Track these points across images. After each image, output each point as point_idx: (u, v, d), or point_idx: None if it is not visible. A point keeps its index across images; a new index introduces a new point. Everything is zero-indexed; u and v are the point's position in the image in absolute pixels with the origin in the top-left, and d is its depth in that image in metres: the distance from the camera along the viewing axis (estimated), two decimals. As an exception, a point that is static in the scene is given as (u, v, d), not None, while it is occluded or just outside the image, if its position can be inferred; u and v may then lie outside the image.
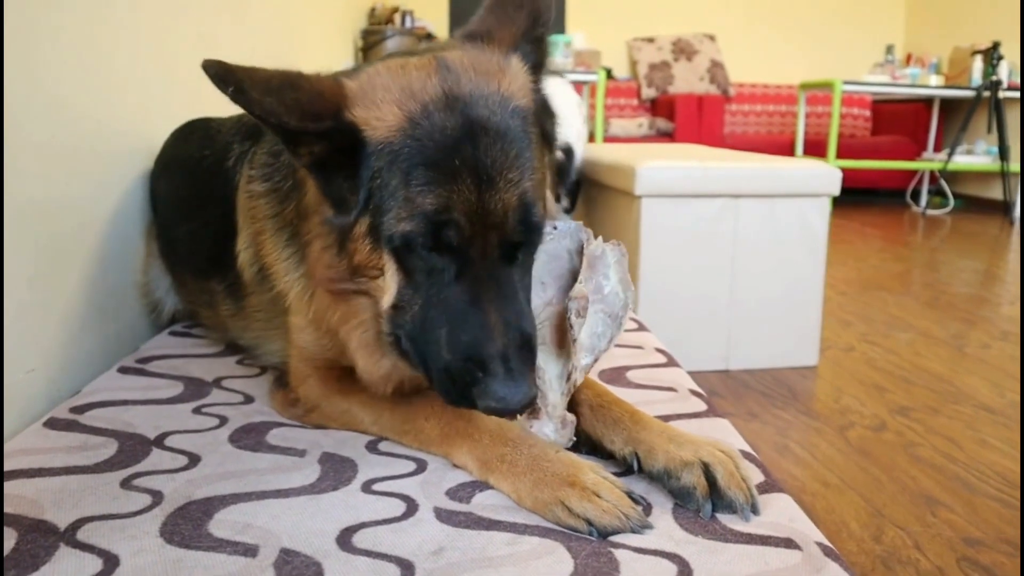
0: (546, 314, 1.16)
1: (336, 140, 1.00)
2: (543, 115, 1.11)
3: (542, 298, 1.16)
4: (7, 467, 1.09)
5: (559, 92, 2.76)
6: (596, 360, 1.15)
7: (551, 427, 1.11)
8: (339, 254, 1.09)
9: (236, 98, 0.95)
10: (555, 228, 1.20)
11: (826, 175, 2.48)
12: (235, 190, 1.45)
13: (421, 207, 0.97)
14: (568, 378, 1.12)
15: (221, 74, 0.94)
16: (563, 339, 1.15)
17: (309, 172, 1.09)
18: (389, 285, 1.05)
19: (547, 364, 1.13)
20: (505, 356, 0.97)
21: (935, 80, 7.11)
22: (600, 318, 1.14)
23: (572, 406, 1.18)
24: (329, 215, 1.08)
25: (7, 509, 0.98)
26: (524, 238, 1.03)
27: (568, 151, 2.81)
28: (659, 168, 2.37)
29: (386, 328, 1.09)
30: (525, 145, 1.02)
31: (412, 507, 1.01)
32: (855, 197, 7.42)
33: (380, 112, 0.99)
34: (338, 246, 1.08)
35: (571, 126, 2.76)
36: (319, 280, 1.16)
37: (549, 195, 2.70)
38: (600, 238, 1.20)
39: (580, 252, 1.18)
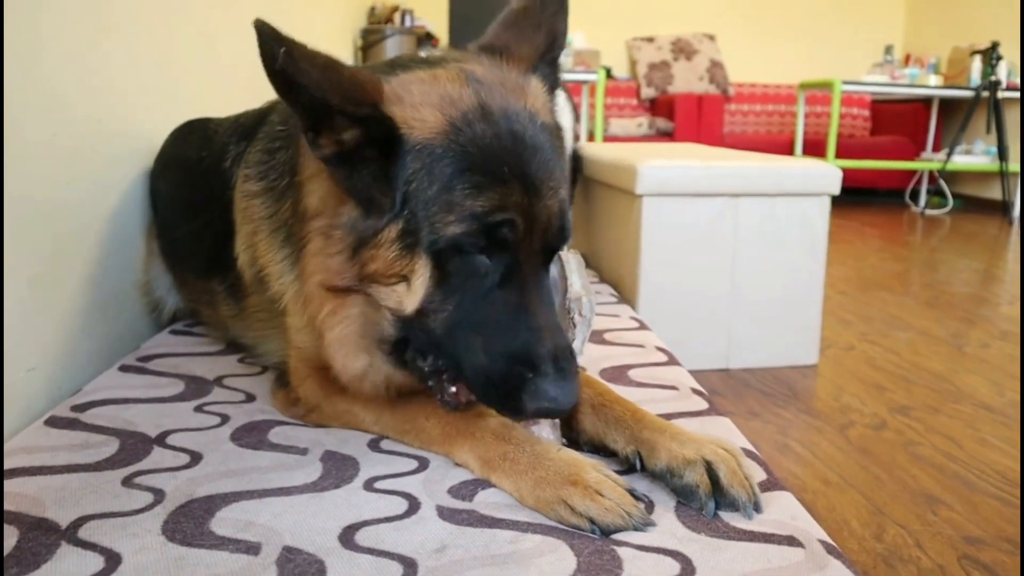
0: None
1: (372, 129, 0.99)
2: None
3: None
4: (8, 465, 1.09)
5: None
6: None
7: (548, 428, 1.11)
8: (351, 259, 1.05)
9: (286, 62, 0.92)
10: None
11: (826, 174, 2.48)
12: (232, 191, 1.45)
13: (471, 210, 0.97)
14: None
15: (274, 35, 0.92)
16: None
17: (329, 164, 1.04)
18: (416, 291, 1.02)
19: None
20: (556, 357, 0.98)
21: (934, 80, 7.12)
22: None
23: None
24: (351, 216, 1.05)
25: (8, 507, 0.98)
26: (561, 245, 1.06)
27: (576, 157, 2.80)
28: (660, 167, 2.36)
29: (393, 331, 1.09)
30: (557, 157, 1.05)
31: (414, 505, 1.01)
32: (854, 197, 7.43)
33: (420, 114, 0.99)
34: (352, 250, 1.05)
35: (567, 128, 2.74)
36: (318, 280, 1.12)
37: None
38: None
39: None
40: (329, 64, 0.97)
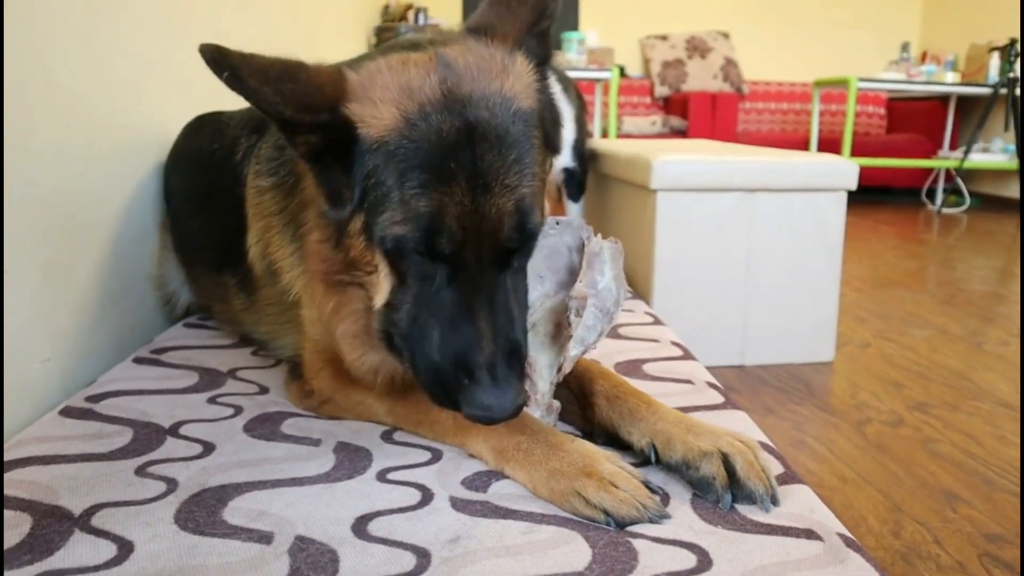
0: (543, 307, 1.15)
1: (330, 133, 0.98)
2: (546, 118, 1.08)
3: (539, 291, 1.16)
4: (22, 454, 1.09)
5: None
6: (585, 351, 1.14)
7: (539, 413, 1.10)
8: (336, 247, 1.07)
9: (231, 84, 0.93)
10: (556, 223, 1.18)
11: (842, 169, 2.45)
12: (243, 185, 1.45)
13: (415, 211, 0.95)
14: (559, 369, 1.12)
15: (217, 58, 0.92)
16: (558, 332, 1.14)
17: (306, 163, 1.07)
18: (383, 284, 1.03)
19: (539, 354, 1.12)
20: (492, 365, 0.95)
21: (951, 77, 7.05)
22: (592, 312, 1.14)
23: (588, 397, 1.18)
24: (325, 208, 1.07)
25: (22, 495, 0.98)
26: (519, 245, 1.00)
27: (582, 152, 2.78)
28: (675, 162, 2.35)
29: (377, 325, 1.08)
30: (526, 149, 0.99)
31: (428, 496, 1.01)
32: (870, 195, 7.37)
33: (376, 110, 0.97)
34: (335, 239, 1.07)
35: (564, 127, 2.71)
36: (315, 271, 1.15)
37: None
38: (599, 235, 1.19)
39: (580, 249, 1.17)
40: (283, 75, 0.95)
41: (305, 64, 0.99)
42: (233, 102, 1.82)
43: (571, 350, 1.11)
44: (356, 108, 0.97)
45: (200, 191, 1.68)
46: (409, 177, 0.95)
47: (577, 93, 2.83)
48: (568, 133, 2.70)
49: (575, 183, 2.82)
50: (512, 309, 1.01)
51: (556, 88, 2.71)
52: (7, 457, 1.08)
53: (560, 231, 1.18)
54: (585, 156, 2.81)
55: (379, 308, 1.06)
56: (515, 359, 0.98)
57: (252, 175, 1.41)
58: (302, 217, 1.21)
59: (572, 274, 1.16)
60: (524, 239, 1.01)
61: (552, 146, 1.11)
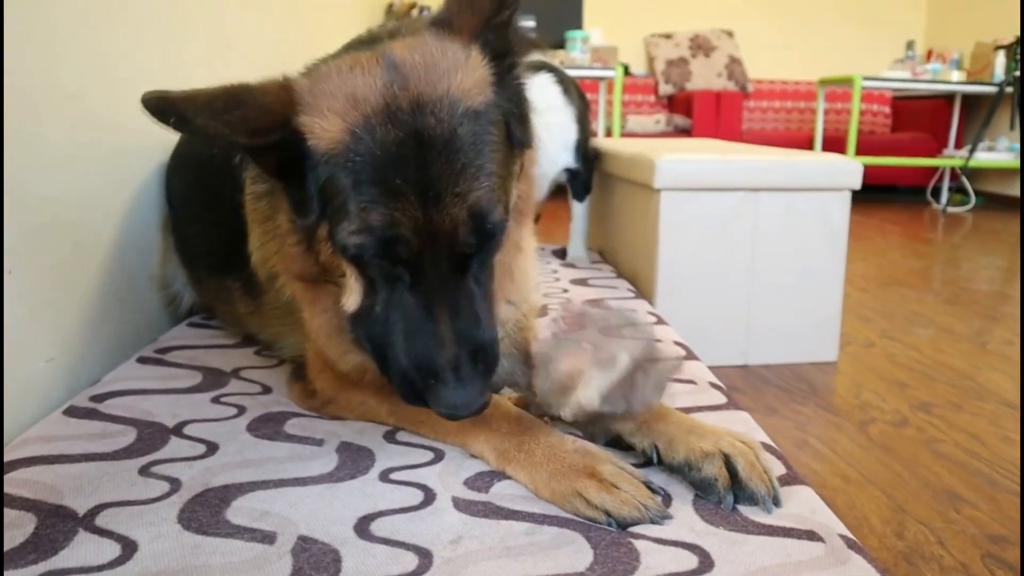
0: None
1: (287, 149, 0.98)
2: (510, 112, 1.04)
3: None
4: (26, 454, 1.10)
5: (545, 89, 2.68)
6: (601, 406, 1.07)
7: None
8: (308, 252, 1.08)
9: (180, 128, 0.93)
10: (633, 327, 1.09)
11: (847, 169, 2.45)
12: (241, 190, 1.45)
13: (368, 222, 0.94)
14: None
15: (160, 106, 0.91)
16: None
17: (272, 177, 1.08)
18: (352, 288, 1.04)
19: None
20: (455, 365, 0.96)
21: (957, 76, 7.02)
22: (620, 398, 1.05)
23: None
24: (292, 217, 1.07)
25: (26, 495, 0.98)
26: (475, 249, 0.99)
27: (586, 151, 2.77)
28: (678, 161, 2.35)
29: (347, 327, 1.10)
30: (478, 150, 0.97)
31: (430, 496, 1.01)
32: (874, 194, 7.35)
33: (324, 122, 0.96)
34: (306, 244, 1.07)
35: (562, 125, 2.68)
36: (292, 272, 1.17)
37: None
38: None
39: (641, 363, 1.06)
40: (229, 104, 0.94)
41: (249, 86, 0.97)
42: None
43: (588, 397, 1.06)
44: (306, 120, 0.96)
45: (200, 195, 1.69)
46: (361, 190, 0.94)
47: (579, 92, 2.82)
48: (570, 134, 2.69)
49: (580, 183, 2.81)
50: (475, 310, 1.00)
51: (556, 88, 2.72)
52: (11, 456, 1.09)
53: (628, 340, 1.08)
54: (590, 156, 2.80)
55: (350, 313, 1.06)
56: (480, 358, 0.99)
57: (249, 180, 1.41)
58: (277, 218, 1.22)
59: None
60: (481, 241, 0.99)
61: (518, 141, 1.07)
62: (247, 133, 0.95)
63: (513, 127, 1.05)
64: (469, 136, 0.96)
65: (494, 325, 1.04)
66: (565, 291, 2.29)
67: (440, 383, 0.96)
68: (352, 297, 1.05)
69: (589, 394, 1.00)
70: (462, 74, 0.99)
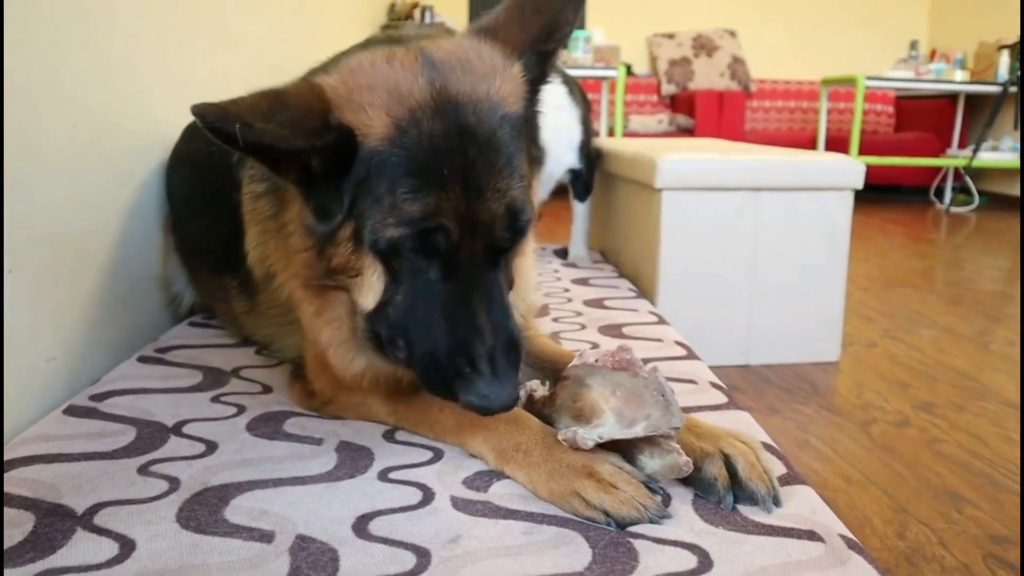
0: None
1: (336, 152, 0.97)
2: (530, 131, 1.09)
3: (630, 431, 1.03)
4: (25, 452, 1.10)
5: (551, 90, 2.68)
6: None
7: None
8: (319, 257, 1.07)
9: (244, 133, 0.87)
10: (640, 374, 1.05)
11: (849, 168, 2.44)
12: (239, 189, 1.45)
13: (409, 214, 0.95)
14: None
15: (220, 115, 0.87)
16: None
17: (294, 185, 1.05)
18: (373, 285, 1.03)
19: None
20: (492, 357, 0.97)
21: (960, 75, 7.00)
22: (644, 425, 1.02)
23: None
24: (311, 222, 1.06)
25: (25, 494, 0.98)
26: (510, 244, 1.03)
27: (589, 152, 2.77)
28: (680, 161, 2.34)
29: (363, 325, 1.09)
30: (514, 152, 1.00)
31: (428, 496, 1.01)
32: (877, 194, 7.34)
33: (369, 118, 0.96)
34: (318, 249, 1.07)
35: (567, 126, 2.68)
36: (297, 274, 1.16)
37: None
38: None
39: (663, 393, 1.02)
40: (274, 107, 0.92)
41: (281, 89, 0.97)
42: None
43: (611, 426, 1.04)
44: (349, 117, 0.96)
45: (199, 194, 1.69)
46: (402, 183, 0.95)
47: (582, 94, 2.82)
48: (574, 135, 2.69)
49: (582, 184, 2.81)
50: (506, 304, 1.03)
51: (562, 89, 2.72)
52: (11, 455, 1.09)
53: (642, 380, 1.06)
54: (592, 156, 2.80)
55: (368, 310, 1.06)
56: (513, 352, 0.99)
57: (247, 180, 1.41)
58: (284, 217, 1.22)
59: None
60: (515, 237, 1.02)
61: (532, 158, 1.13)
62: (303, 134, 0.93)
63: (530, 145, 1.09)
64: (507, 138, 0.99)
65: (516, 321, 1.05)
66: (566, 291, 2.29)
67: (476, 373, 0.96)
68: (371, 295, 1.04)
69: (590, 435, 1.00)
70: (500, 81, 1.02)
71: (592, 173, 2.83)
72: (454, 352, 0.98)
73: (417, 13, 6.44)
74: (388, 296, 1.03)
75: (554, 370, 1.25)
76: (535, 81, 1.07)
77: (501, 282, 1.03)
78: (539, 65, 1.07)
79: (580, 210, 2.85)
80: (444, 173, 0.95)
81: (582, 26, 6.90)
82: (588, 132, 2.74)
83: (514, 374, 0.98)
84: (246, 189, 1.38)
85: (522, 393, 1.12)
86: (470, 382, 0.96)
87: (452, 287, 0.99)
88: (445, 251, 0.97)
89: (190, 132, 1.83)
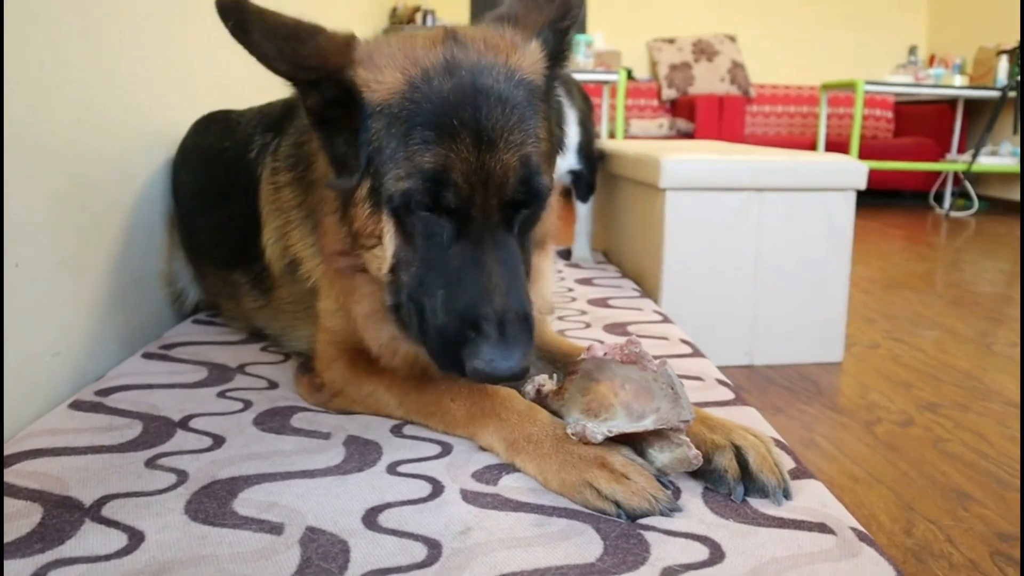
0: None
1: (328, 92, 1.03)
2: (553, 108, 1.13)
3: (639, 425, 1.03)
4: (32, 446, 1.09)
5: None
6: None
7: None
8: (342, 220, 1.10)
9: (235, 34, 0.98)
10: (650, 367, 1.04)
11: (851, 169, 2.44)
12: (258, 182, 1.45)
13: (419, 165, 0.97)
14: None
15: (228, 7, 0.97)
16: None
17: (314, 130, 1.11)
18: (387, 248, 1.05)
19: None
20: (500, 320, 0.95)
21: (959, 80, 7.01)
22: (652, 418, 1.01)
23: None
24: (333, 180, 1.10)
25: (32, 486, 0.98)
26: (524, 199, 1.02)
27: (589, 152, 2.77)
28: (684, 161, 2.34)
29: (387, 298, 1.10)
30: (529, 113, 1.02)
31: (438, 488, 1.00)
32: (877, 199, 7.35)
33: (381, 75, 1.01)
34: (341, 211, 1.10)
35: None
36: (328, 254, 1.18)
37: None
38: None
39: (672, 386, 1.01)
40: (292, 36, 1.01)
41: (322, 29, 1.03)
42: (240, 101, 1.83)
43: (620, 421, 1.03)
44: (362, 73, 1.01)
45: (209, 189, 1.68)
46: (413, 135, 0.98)
47: (582, 95, 2.82)
48: (572, 136, 2.69)
49: (583, 184, 2.81)
50: (520, 272, 1.02)
51: (559, 91, 2.71)
52: (17, 449, 1.08)
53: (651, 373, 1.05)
54: (593, 157, 2.79)
55: (385, 276, 1.07)
56: (523, 322, 0.98)
57: (269, 172, 1.42)
58: (312, 197, 1.24)
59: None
60: (530, 194, 1.02)
61: (558, 140, 1.15)
62: (290, 64, 1.00)
63: (554, 127, 1.11)
64: (524, 98, 1.02)
65: (529, 295, 1.03)
66: (570, 290, 2.29)
67: (481, 336, 0.94)
68: (386, 258, 1.05)
69: (599, 429, 0.99)
70: (520, 54, 1.06)
71: (594, 174, 2.83)
72: (461, 314, 0.96)
73: (419, 17, 6.45)
74: (401, 260, 1.04)
75: (563, 364, 1.25)
76: (553, 56, 1.11)
77: (515, 248, 1.02)
78: (556, 41, 1.12)
79: (583, 211, 2.85)
80: (454, 124, 0.97)
81: (583, 31, 6.92)
82: (588, 133, 2.74)
83: (524, 343, 0.96)
84: (267, 180, 1.39)
85: (531, 387, 1.11)
86: (476, 346, 0.94)
87: (464, 247, 0.99)
88: (455, 208, 0.98)
89: (199, 126, 1.83)
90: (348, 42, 1.04)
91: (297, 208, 1.34)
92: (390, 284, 1.08)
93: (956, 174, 7.18)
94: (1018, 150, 6.83)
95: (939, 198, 7.34)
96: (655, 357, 1.03)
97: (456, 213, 0.99)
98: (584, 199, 2.84)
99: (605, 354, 1.07)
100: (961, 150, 7.48)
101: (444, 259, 1.00)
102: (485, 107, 0.99)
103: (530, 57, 1.07)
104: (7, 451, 1.08)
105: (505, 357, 0.94)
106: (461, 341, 0.96)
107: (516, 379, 0.97)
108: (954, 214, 6.86)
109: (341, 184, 1.07)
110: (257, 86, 1.96)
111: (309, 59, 1.01)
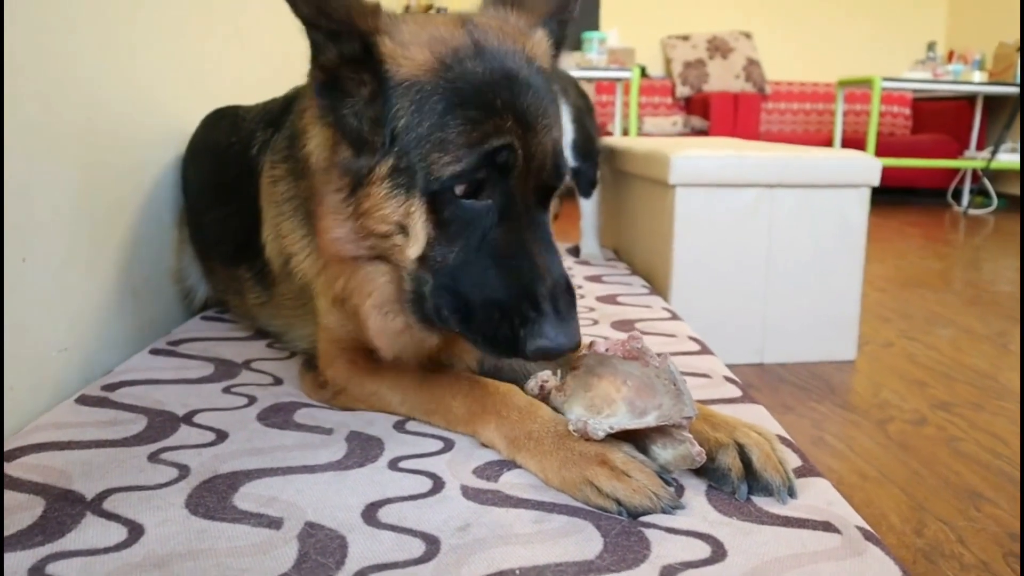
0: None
1: (346, 49, 1.01)
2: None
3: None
4: (37, 439, 1.10)
5: None
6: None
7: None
8: (348, 199, 1.06)
9: None
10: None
11: (865, 165, 2.41)
12: (259, 177, 1.45)
13: (467, 143, 0.97)
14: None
15: None
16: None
17: (320, 97, 1.07)
18: (418, 234, 1.03)
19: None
20: (555, 298, 0.97)
21: (978, 77, 6.93)
22: (655, 415, 1.00)
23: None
24: (345, 157, 1.06)
25: (35, 479, 0.98)
26: (557, 184, 1.05)
27: (590, 149, 2.74)
28: (694, 157, 2.32)
29: (409, 286, 1.08)
30: (551, 100, 1.05)
31: (439, 484, 1.00)
32: (894, 196, 7.28)
33: (409, 51, 1.00)
34: (350, 190, 1.06)
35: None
36: (325, 245, 1.14)
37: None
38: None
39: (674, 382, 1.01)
40: None
41: None
42: (249, 97, 1.83)
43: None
44: (388, 44, 1.00)
45: (216, 184, 1.69)
46: (453, 116, 0.97)
47: (578, 91, 2.79)
48: (566, 134, 2.67)
49: (585, 181, 2.79)
50: (556, 248, 1.04)
51: (555, 86, 2.69)
52: (22, 442, 1.09)
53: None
54: (593, 154, 2.76)
55: (412, 263, 1.05)
56: (570, 295, 1.00)
57: (268, 166, 1.42)
58: (305, 183, 1.23)
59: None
60: (560, 178, 1.05)
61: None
62: (317, 8, 0.98)
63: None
64: (544, 83, 1.05)
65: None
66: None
67: (541, 315, 0.96)
68: (415, 246, 1.03)
69: (601, 426, 0.98)
70: (532, 41, 1.09)
71: (595, 170, 2.80)
72: (518, 297, 0.97)
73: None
74: (435, 249, 1.03)
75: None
76: (556, 44, 1.15)
77: (550, 227, 1.05)
78: (558, 30, 1.16)
79: (587, 207, 2.83)
80: (497, 104, 0.98)
81: (597, 28, 6.89)
82: (584, 130, 2.71)
83: (576, 315, 0.99)
84: (266, 174, 1.39)
85: (534, 383, 1.11)
86: (537, 325, 0.96)
87: (508, 231, 1.00)
88: (500, 193, 0.99)
89: (208, 122, 1.84)
90: (375, 10, 1.03)
91: (290, 200, 1.33)
92: (415, 272, 1.06)
93: (974, 171, 7.09)
94: (1038, 147, 6.74)
95: (957, 195, 7.26)
96: (659, 354, 1.02)
97: (499, 198, 0.99)
98: (587, 194, 2.81)
99: (607, 350, 1.06)
100: (980, 147, 7.39)
101: (489, 241, 1.00)
102: (518, 90, 1.00)
103: (540, 45, 1.11)
104: (14, 445, 1.08)
105: (565, 333, 0.96)
106: (520, 323, 0.97)
107: (575, 350, 1.00)
108: (972, 212, 6.78)
109: (358, 165, 1.04)
110: (270, 83, 1.97)
111: (336, 10, 0.99)
